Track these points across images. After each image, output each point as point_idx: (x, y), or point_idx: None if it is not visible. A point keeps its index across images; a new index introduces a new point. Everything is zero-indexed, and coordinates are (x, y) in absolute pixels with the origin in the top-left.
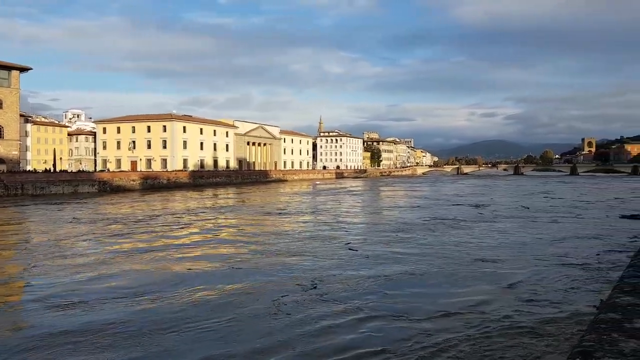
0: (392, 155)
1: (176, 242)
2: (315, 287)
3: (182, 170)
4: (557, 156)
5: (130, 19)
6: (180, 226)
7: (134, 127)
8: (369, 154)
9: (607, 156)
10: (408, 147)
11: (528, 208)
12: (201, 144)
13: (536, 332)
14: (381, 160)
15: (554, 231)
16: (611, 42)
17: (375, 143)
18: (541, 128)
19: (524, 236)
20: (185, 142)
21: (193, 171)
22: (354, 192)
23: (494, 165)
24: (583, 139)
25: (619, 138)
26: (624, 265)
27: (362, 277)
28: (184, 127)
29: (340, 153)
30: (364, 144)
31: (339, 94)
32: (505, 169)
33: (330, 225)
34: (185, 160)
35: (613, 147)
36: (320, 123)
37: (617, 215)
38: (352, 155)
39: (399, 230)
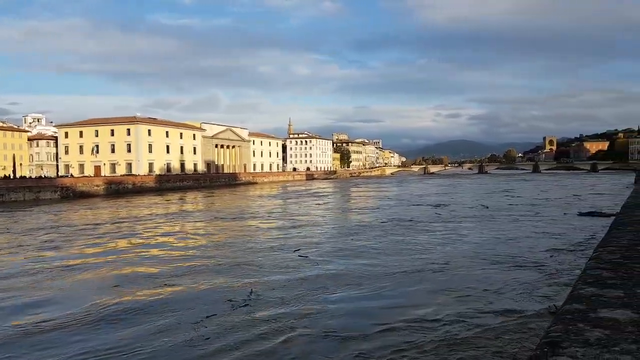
0: (361, 156)
1: (109, 253)
2: (247, 304)
3: (147, 175)
4: (520, 154)
5: (91, 20)
6: (125, 234)
7: (97, 130)
8: (338, 155)
9: (568, 154)
10: (376, 147)
11: (487, 207)
12: (167, 147)
13: (479, 342)
14: (350, 161)
15: (510, 231)
16: (565, 46)
17: (344, 144)
18: (504, 128)
19: (479, 236)
20: (150, 146)
21: (159, 175)
22: (321, 194)
23: (460, 164)
24: (544, 138)
25: (578, 136)
26: (579, 265)
27: (302, 289)
28: (149, 130)
29: (310, 154)
30: (333, 145)
31: (308, 96)
32: (470, 168)
33: (286, 231)
34: (151, 164)
35: (573, 145)
36: (289, 125)
37: (575, 213)
38: (322, 156)
39: (354, 234)
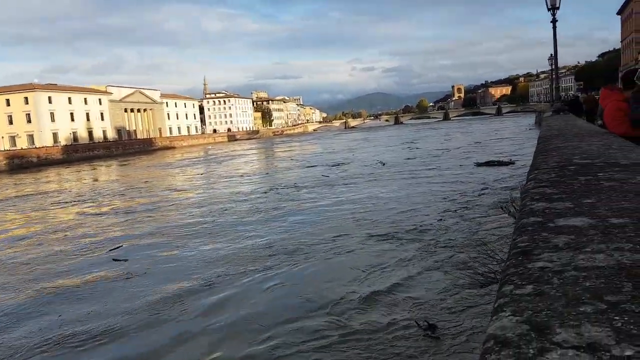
0: (283, 114)
1: None
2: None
3: (53, 146)
4: (431, 104)
5: None
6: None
7: None
8: (260, 114)
9: (475, 100)
10: (297, 105)
11: (384, 164)
12: (71, 114)
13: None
14: (272, 120)
15: (396, 191)
16: None
17: (265, 102)
18: (415, 79)
19: (359, 202)
20: (52, 114)
21: (66, 146)
22: (223, 159)
23: (377, 117)
24: (453, 86)
25: (484, 83)
26: (464, 230)
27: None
28: (49, 98)
29: (230, 115)
30: (253, 104)
31: (223, 54)
32: (387, 120)
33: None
34: (55, 135)
35: (479, 91)
36: (204, 84)
37: (472, 164)
38: (243, 116)
39: (219, 213)
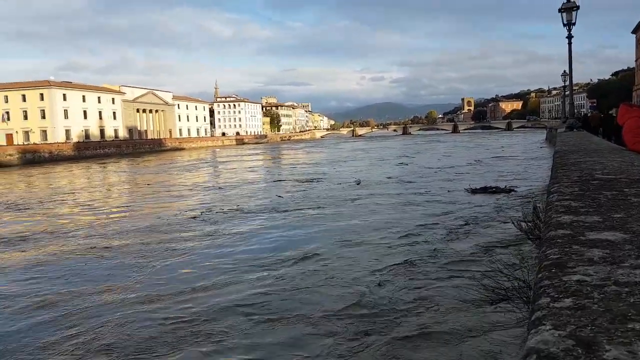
0: (292, 120)
1: None
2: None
3: (65, 142)
4: (440, 116)
5: None
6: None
7: (6, 96)
8: (268, 119)
9: (485, 114)
10: (306, 111)
11: (359, 183)
12: (85, 112)
13: None
14: (281, 125)
15: (361, 223)
16: (475, 7)
17: (274, 108)
18: (424, 90)
19: (309, 237)
20: (66, 111)
21: (78, 142)
22: (226, 162)
23: (385, 126)
24: (463, 99)
25: (494, 97)
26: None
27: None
28: (64, 95)
29: (240, 119)
30: (262, 109)
31: (232, 58)
32: (395, 130)
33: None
34: (67, 131)
35: (490, 105)
36: (215, 88)
37: (464, 189)
38: (252, 120)
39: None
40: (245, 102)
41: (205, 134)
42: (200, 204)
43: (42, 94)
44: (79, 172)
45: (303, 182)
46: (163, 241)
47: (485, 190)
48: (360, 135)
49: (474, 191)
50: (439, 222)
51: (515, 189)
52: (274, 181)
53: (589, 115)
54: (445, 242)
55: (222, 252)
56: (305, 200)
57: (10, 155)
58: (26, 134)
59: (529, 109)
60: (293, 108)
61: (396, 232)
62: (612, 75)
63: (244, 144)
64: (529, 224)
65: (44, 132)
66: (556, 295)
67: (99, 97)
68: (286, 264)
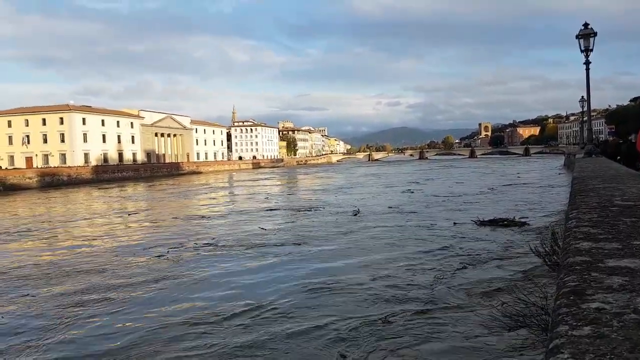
0: (308, 144)
1: None
2: None
3: (83, 166)
4: (457, 141)
5: (9, 2)
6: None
7: (27, 120)
8: (285, 143)
9: (502, 139)
10: (322, 135)
11: (357, 214)
12: (103, 136)
13: None
14: (297, 149)
15: (343, 264)
16: (490, 34)
17: (290, 132)
18: (440, 115)
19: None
20: (85, 135)
21: (96, 166)
22: (242, 185)
23: (402, 151)
24: (480, 124)
25: (511, 122)
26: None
27: None
28: (84, 119)
29: (256, 143)
30: (279, 133)
31: (247, 83)
32: (411, 155)
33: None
34: (86, 155)
35: (507, 130)
36: (233, 112)
37: (471, 221)
38: (269, 144)
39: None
40: (262, 126)
41: (222, 158)
42: (174, 237)
43: (61, 118)
44: (81, 197)
45: (298, 212)
46: (100, 288)
47: (494, 222)
48: (376, 160)
49: (482, 223)
50: (435, 260)
51: (528, 222)
52: (268, 210)
53: (607, 141)
54: (443, 283)
55: (155, 306)
56: (290, 233)
57: (29, 178)
58: (45, 157)
59: (546, 135)
60: (310, 132)
61: (384, 276)
62: (630, 101)
63: (260, 167)
64: (547, 249)
65: (63, 156)
66: (575, 323)
67: (117, 121)
68: (230, 322)
